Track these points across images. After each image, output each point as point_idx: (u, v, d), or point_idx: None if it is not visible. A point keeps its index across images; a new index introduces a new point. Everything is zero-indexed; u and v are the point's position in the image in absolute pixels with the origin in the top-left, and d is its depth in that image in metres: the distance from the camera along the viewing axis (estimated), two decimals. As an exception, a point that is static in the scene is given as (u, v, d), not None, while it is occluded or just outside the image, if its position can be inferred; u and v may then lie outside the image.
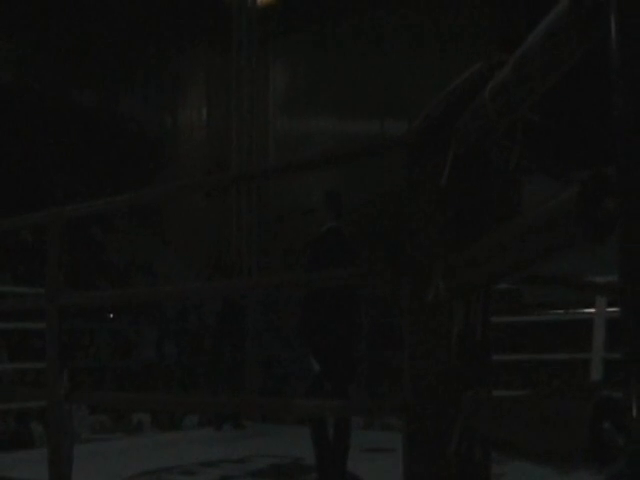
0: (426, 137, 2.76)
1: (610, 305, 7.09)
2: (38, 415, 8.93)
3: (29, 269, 10.30)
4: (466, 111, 2.55)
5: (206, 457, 6.82)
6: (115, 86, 13.48)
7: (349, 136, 12.89)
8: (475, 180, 2.74)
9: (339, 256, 5.36)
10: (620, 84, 1.03)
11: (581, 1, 1.44)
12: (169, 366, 11.31)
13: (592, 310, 7.23)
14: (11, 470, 5.62)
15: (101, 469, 5.19)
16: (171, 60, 14.03)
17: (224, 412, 8.95)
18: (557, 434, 1.82)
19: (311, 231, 6.01)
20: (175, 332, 11.66)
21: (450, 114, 2.70)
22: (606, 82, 1.04)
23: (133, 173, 12.20)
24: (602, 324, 6.98)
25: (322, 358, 5.28)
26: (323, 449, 5.29)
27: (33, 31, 12.33)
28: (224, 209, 13.42)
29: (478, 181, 2.75)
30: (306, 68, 13.85)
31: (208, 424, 9.88)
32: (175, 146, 14.08)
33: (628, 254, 1.08)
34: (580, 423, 1.33)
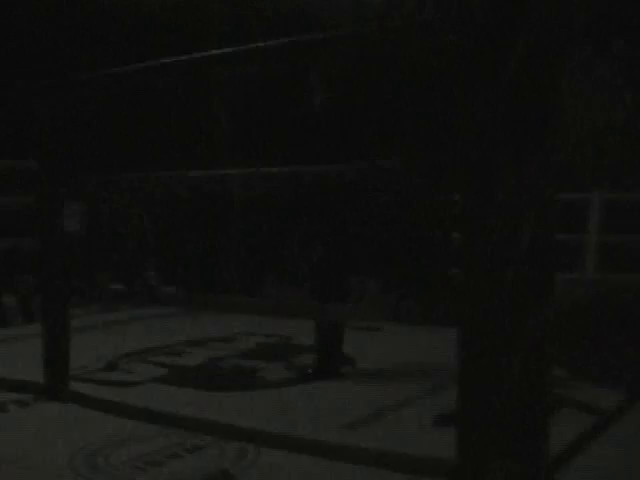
0: (493, 24, 2.49)
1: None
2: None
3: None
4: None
5: (189, 335, 6.68)
6: None
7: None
8: (544, 74, 2.49)
9: None
10: None
11: None
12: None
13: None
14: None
15: (81, 346, 4.99)
16: None
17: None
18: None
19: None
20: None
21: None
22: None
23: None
24: (597, 206, 6.90)
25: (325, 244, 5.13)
26: (327, 330, 5.20)
27: None
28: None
29: (546, 76, 2.50)
30: None
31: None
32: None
33: None
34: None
